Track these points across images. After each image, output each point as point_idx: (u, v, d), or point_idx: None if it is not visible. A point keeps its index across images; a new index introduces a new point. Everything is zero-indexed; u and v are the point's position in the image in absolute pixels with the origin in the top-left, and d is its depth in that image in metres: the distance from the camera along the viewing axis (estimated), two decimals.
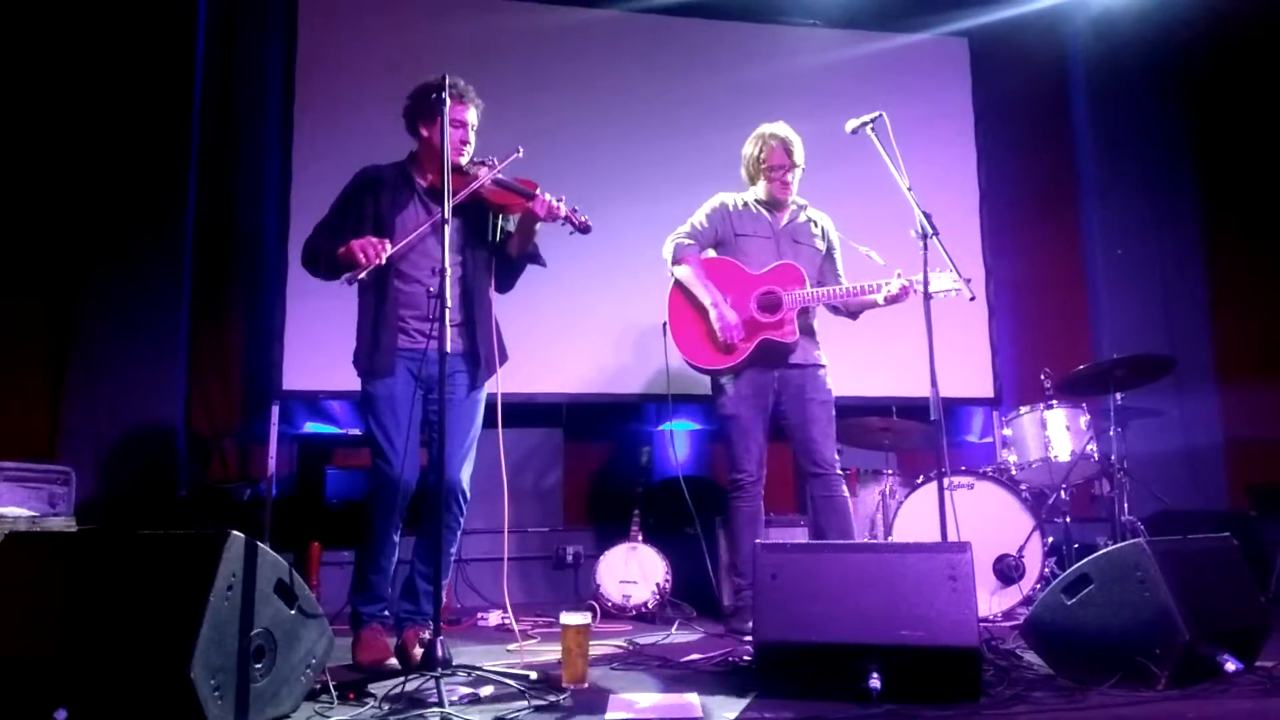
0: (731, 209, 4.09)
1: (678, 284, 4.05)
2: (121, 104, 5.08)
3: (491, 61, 5.47)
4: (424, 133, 3.37)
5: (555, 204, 3.30)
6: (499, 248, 3.47)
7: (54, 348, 4.98)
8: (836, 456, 4.00)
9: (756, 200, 4.10)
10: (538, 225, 3.39)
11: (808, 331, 4.03)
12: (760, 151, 4.03)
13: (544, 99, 5.63)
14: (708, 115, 5.74)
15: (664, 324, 4.11)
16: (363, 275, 3.11)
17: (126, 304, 4.99)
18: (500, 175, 3.31)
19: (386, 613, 3.28)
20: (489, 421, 3.33)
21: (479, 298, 3.39)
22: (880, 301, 3.85)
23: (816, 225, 4.15)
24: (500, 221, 3.47)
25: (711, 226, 4.07)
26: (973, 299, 3.43)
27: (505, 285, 3.53)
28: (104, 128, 5.06)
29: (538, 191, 3.31)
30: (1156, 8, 6.11)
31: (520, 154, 3.26)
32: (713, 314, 3.91)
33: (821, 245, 4.13)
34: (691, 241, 4.05)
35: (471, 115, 3.35)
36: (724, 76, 5.84)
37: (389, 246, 3.15)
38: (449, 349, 2.82)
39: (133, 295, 5.00)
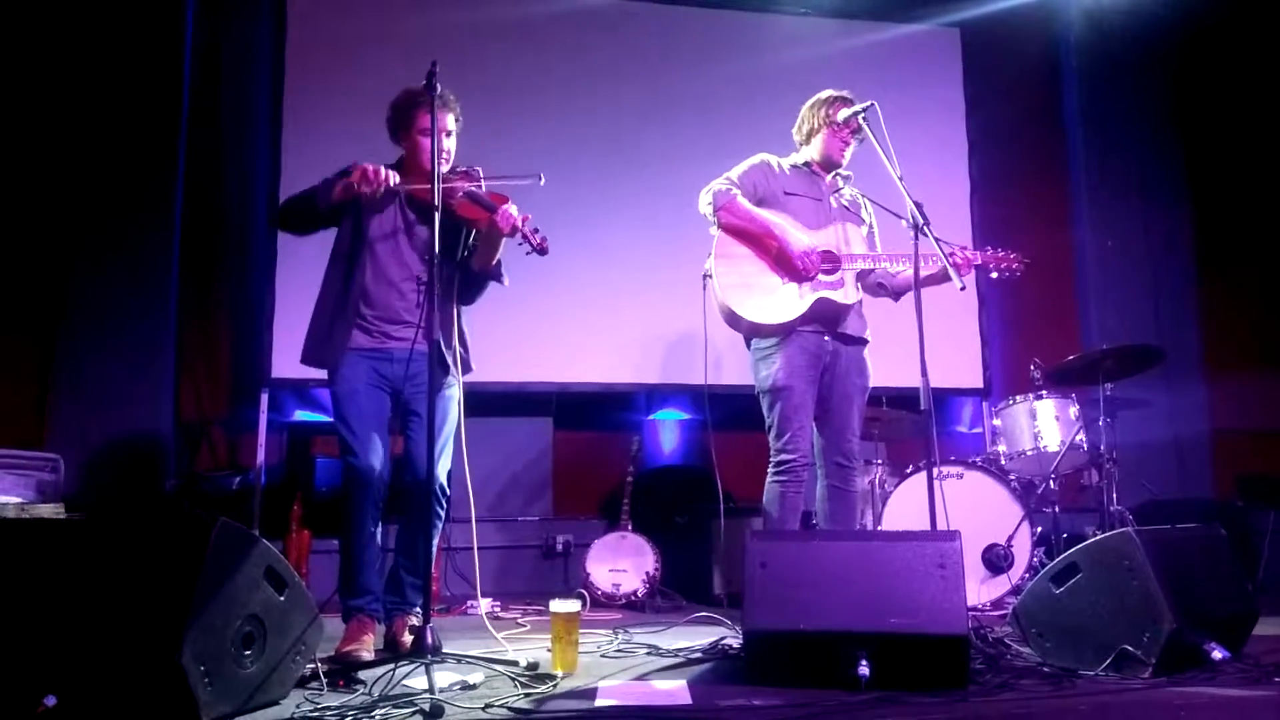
0: (776, 168, 3.66)
1: (725, 230, 3.57)
2: (108, 92, 5.04)
3: (481, 48, 5.45)
4: (403, 144, 3.34)
5: (519, 220, 3.17)
6: (465, 261, 3.36)
7: (42, 336, 4.95)
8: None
9: (805, 162, 3.70)
10: (502, 240, 3.27)
11: (858, 304, 3.64)
12: (829, 109, 3.64)
13: (534, 87, 5.62)
14: (699, 104, 5.75)
15: (704, 275, 3.63)
16: (371, 190, 3.09)
17: (115, 292, 4.96)
18: (474, 189, 3.21)
19: (376, 605, 3.25)
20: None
21: (443, 309, 3.26)
22: (959, 283, 3.33)
23: (862, 203, 3.78)
24: (470, 235, 3.37)
25: (750, 181, 3.61)
26: (963, 289, 3.41)
27: (468, 299, 3.43)
28: (91, 116, 5.03)
29: (507, 207, 3.17)
30: None
31: (542, 181, 3.15)
32: (788, 237, 3.46)
33: (867, 218, 3.76)
34: (729, 187, 3.57)
35: (449, 122, 3.26)
36: (715, 65, 5.84)
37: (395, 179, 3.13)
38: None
39: (121, 283, 4.97)
